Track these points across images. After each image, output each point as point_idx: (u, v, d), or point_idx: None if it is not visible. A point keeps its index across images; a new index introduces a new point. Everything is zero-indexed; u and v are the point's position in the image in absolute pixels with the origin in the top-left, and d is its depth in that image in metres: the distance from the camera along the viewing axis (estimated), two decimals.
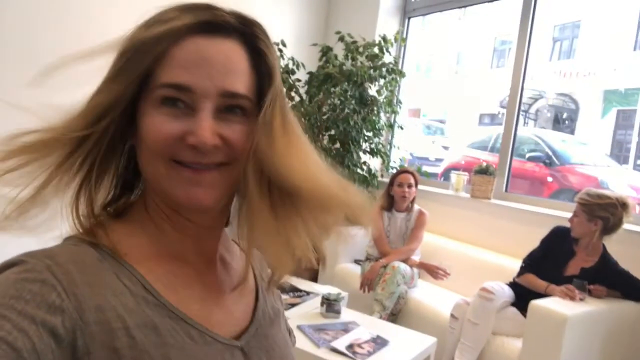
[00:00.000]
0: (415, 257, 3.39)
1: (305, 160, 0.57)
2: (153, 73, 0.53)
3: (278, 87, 0.58)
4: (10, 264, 0.49)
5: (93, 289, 0.49)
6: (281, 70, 3.93)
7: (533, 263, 2.86)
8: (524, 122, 6.25)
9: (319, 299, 2.62)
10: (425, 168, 4.36)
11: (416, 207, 3.52)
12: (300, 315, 2.52)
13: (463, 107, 8.27)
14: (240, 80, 0.55)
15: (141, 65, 0.53)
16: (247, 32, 0.57)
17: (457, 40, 7.76)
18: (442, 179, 5.23)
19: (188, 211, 0.58)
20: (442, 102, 8.19)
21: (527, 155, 5.23)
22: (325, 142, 4.03)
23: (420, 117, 6.99)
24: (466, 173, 3.96)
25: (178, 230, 0.59)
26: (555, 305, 2.42)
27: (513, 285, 2.85)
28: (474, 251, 3.47)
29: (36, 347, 0.42)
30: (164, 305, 0.54)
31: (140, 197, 0.62)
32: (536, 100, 6.88)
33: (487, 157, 4.90)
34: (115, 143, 0.57)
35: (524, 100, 3.90)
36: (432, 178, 4.34)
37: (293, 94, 4.04)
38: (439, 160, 6.14)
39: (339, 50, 4.06)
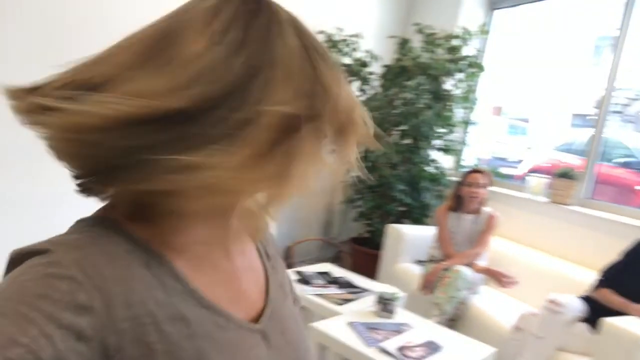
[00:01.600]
0: (482, 262, 3.22)
1: None
2: None
3: None
4: (35, 252, 0.47)
5: (122, 283, 0.48)
6: (354, 62, 3.89)
7: (612, 277, 2.64)
8: (621, 125, 5.80)
9: (374, 297, 2.56)
10: (502, 169, 4.15)
11: (487, 209, 3.34)
12: (354, 312, 2.47)
13: (552, 107, 7.83)
14: None
15: None
16: None
17: (548, 35, 7.33)
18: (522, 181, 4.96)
19: None
20: (526, 100, 7.79)
21: (618, 161, 4.83)
22: (396, 137, 3.94)
23: (501, 115, 6.67)
24: (547, 176, 3.73)
25: (218, 215, 0.59)
26: (631, 325, 2.21)
27: (586, 299, 2.64)
28: (546, 260, 3.25)
29: (62, 355, 0.41)
30: (192, 294, 0.53)
31: None
32: (636, 101, 6.35)
33: (577, 161, 4.58)
34: None
35: (621, 101, 3.61)
36: (508, 180, 4.12)
37: (365, 86, 3.99)
38: (519, 161, 5.82)
39: (417, 43, 3.95)
